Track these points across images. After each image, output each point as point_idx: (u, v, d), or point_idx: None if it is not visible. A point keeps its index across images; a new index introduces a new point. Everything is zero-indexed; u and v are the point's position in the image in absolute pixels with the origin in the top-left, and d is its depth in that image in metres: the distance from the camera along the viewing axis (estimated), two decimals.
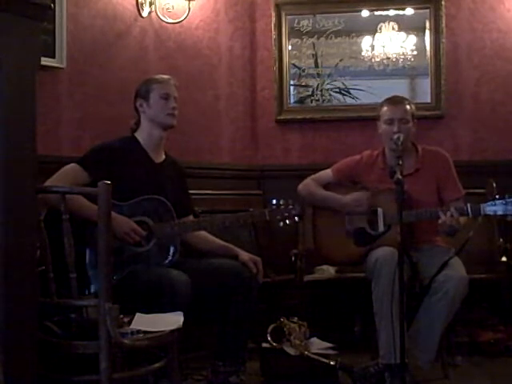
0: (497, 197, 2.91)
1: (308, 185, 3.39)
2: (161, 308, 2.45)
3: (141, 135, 2.99)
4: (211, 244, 3.04)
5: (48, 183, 2.69)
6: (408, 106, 3.22)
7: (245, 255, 2.93)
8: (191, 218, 3.08)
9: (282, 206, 2.94)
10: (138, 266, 2.72)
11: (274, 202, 2.94)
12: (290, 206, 2.95)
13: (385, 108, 3.23)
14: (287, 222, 2.94)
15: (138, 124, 3.01)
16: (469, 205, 2.94)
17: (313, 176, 3.42)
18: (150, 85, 2.97)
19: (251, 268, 2.87)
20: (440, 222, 2.96)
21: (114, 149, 2.90)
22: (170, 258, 2.79)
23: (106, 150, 2.89)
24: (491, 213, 2.92)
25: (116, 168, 2.81)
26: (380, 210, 3.14)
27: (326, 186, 3.37)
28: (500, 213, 2.89)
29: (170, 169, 3.06)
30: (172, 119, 2.96)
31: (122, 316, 2.26)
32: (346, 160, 3.41)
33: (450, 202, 3.15)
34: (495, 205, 2.89)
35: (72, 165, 2.80)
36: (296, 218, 2.95)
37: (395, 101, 3.25)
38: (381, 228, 3.14)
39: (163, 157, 3.05)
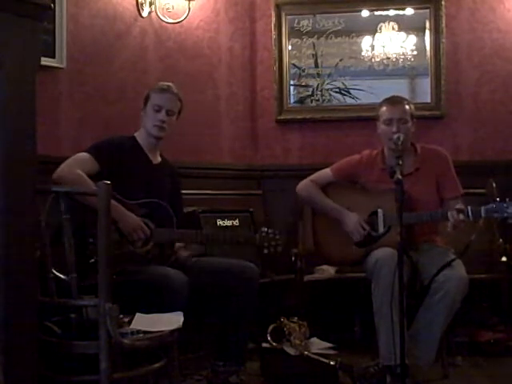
0: (497, 199, 2.89)
1: (308, 187, 3.36)
2: (159, 307, 2.46)
3: (140, 137, 3.03)
4: None
5: (62, 170, 2.75)
6: (407, 106, 3.22)
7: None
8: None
9: (271, 235, 2.99)
10: (129, 265, 2.72)
11: (265, 229, 3.01)
12: (277, 237, 3.00)
13: (384, 108, 3.23)
14: (271, 250, 2.99)
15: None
16: (469, 207, 2.90)
17: (312, 177, 3.38)
18: (150, 92, 3.01)
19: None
20: (450, 224, 2.94)
21: (121, 145, 2.95)
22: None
23: (115, 144, 2.94)
24: (491, 216, 2.90)
25: (121, 164, 2.86)
26: (380, 211, 3.13)
27: (326, 186, 3.35)
28: (500, 216, 2.87)
29: (166, 170, 3.10)
30: (158, 131, 2.96)
31: (121, 316, 2.26)
32: (346, 160, 3.39)
33: (449, 200, 3.15)
34: (495, 207, 2.87)
35: (84, 154, 2.84)
36: (279, 249, 3.01)
37: (394, 101, 3.24)
38: (381, 229, 3.14)
39: (159, 158, 3.09)
